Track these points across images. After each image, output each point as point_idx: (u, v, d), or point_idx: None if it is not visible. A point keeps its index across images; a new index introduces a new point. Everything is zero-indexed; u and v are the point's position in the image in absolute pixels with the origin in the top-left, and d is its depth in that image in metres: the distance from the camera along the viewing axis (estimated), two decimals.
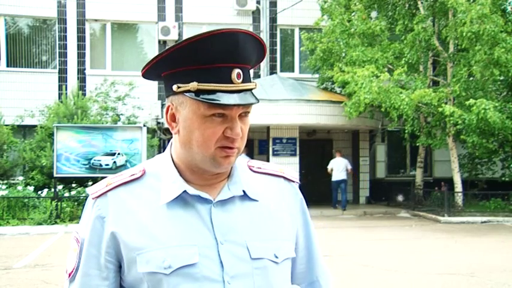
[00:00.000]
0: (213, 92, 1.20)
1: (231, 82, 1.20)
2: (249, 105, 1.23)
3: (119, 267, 1.28)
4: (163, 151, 1.37)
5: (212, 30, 1.18)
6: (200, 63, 1.20)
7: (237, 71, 1.21)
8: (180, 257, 1.22)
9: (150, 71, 1.28)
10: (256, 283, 1.25)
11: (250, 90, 1.25)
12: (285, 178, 1.41)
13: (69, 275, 1.31)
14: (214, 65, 1.20)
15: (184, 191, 1.26)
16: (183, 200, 1.27)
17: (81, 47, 17.59)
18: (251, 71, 1.30)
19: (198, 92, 1.20)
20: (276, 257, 1.29)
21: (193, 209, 1.26)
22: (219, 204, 1.28)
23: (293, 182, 1.42)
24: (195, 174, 1.29)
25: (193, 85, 1.20)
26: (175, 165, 1.30)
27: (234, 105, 1.20)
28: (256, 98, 1.25)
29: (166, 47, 1.22)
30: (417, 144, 16.31)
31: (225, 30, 1.18)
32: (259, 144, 17.55)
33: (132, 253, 1.24)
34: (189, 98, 1.21)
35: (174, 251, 1.22)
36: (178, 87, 1.22)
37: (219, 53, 1.19)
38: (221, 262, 1.23)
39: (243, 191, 1.30)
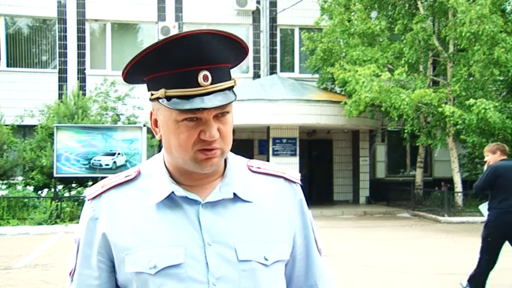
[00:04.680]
0: (182, 97, 1.19)
1: (198, 85, 1.18)
2: (220, 107, 1.20)
3: (112, 267, 1.29)
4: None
5: (172, 35, 1.17)
6: (166, 69, 1.20)
7: (203, 73, 1.18)
8: (165, 257, 1.22)
9: (130, 79, 1.28)
10: (242, 285, 1.24)
11: (227, 89, 1.23)
12: (285, 179, 1.38)
13: (70, 274, 1.34)
14: (179, 70, 1.19)
15: (173, 192, 1.27)
16: (172, 200, 1.27)
17: (81, 47, 17.59)
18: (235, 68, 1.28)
19: (169, 98, 1.20)
20: (266, 259, 1.27)
21: (181, 210, 1.26)
22: (208, 205, 1.27)
23: (294, 182, 1.40)
24: (184, 176, 1.29)
25: (162, 92, 1.20)
26: (166, 167, 1.31)
27: (202, 108, 1.18)
28: (234, 95, 1.23)
29: (134, 55, 1.22)
30: (417, 144, 16.31)
31: (184, 33, 1.16)
32: (259, 144, 17.56)
33: (121, 253, 1.26)
34: (162, 104, 1.21)
35: (160, 251, 1.23)
36: (152, 94, 1.24)
37: (182, 57, 1.18)
38: (207, 263, 1.23)
39: (234, 194, 1.29)
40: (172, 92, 1.19)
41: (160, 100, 1.21)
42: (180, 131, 1.21)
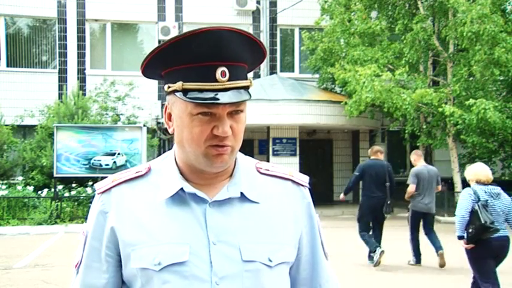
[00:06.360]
0: (199, 90, 1.20)
1: (216, 80, 1.20)
2: (235, 103, 1.22)
3: (119, 261, 1.30)
4: (163, 151, 1.38)
5: (195, 29, 1.18)
6: (185, 62, 1.21)
7: (221, 69, 1.20)
8: (170, 254, 1.23)
9: (148, 72, 1.30)
10: (245, 285, 1.24)
11: (243, 88, 1.24)
12: (293, 181, 1.39)
13: (75, 267, 1.34)
14: (198, 64, 1.20)
15: (182, 189, 1.27)
16: (180, 198, 1.28)
17: (81, 47, 17.59)
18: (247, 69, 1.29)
19: (185, 91, 1.21)
20: (270, 260, 1.28)
21: (189, 208, 1.27)
22: (216, 204, 1.28)
23: (302, 185, 1.40)
24: (194, 174, 1.30)
25: (179, 85, 1.22)
26: (177, 164, 1.32)
27: (217, 103, 1.19)
28: (248, 94, 1.24)
29: (153, 48, 1.23)
30: (417, 144, 16.30)
31: (207, 28, 1.18)
32: (259, 144, 17.54)
33: (128, 249, 1.26)
34: (178, 97, 1.23)
35: (166, 248, 1.24)
36: (169, 87, 1.25)
37: (202, 51, 1.19)
38: (211, 262, 1.23)
39: (241, 193, 1.30)
40: (189, 85, 1.21)
41: (177, 93, 1.23)
42: (194, 125, 1.23)
